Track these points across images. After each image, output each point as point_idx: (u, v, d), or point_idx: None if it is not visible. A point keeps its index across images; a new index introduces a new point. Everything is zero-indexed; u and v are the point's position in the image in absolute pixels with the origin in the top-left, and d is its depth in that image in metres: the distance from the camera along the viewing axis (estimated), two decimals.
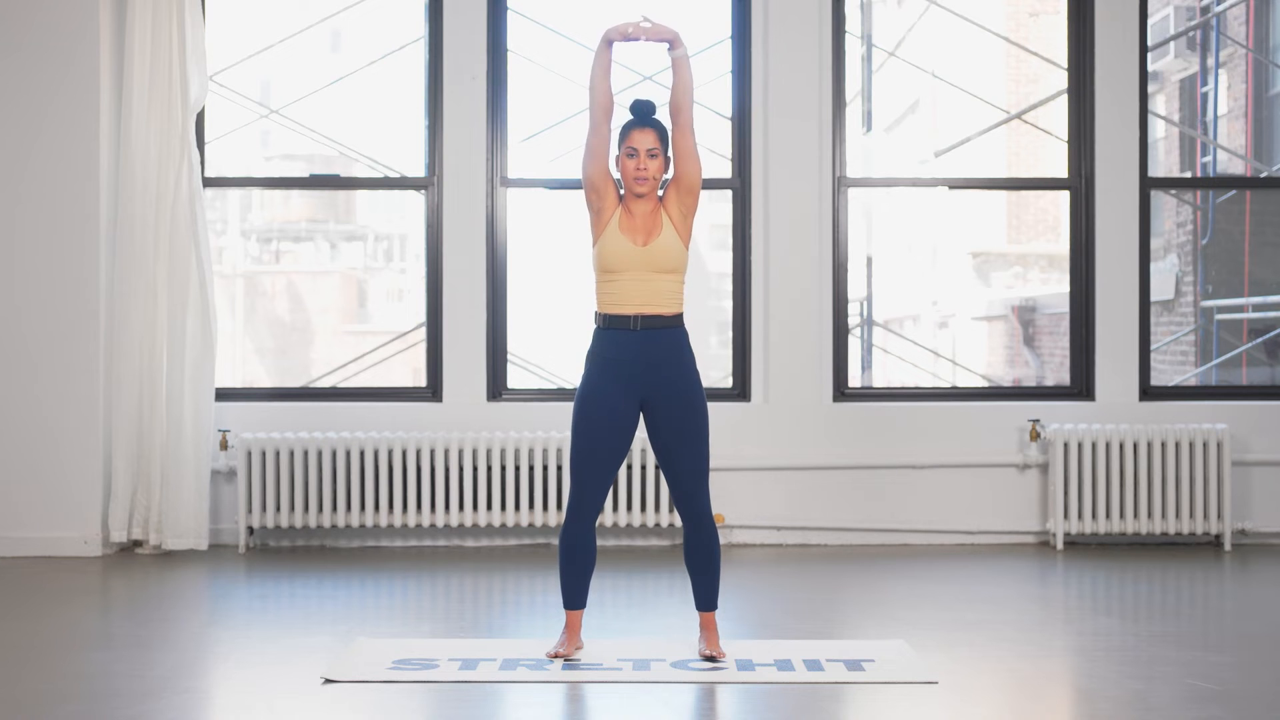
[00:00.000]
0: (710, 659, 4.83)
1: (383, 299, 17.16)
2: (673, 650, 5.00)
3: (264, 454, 7.33)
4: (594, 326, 4.90)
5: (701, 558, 4.91)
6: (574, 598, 4.94)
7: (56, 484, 7.16)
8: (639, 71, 7.82)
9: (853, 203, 7.84)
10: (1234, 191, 11.06)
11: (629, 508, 7.38)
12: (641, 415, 4.89)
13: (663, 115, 5.01)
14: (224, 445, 7.42)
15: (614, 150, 4.92)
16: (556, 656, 4.86)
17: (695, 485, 4.86)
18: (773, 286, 7.56)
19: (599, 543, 7.39)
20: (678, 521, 7.34)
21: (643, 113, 4.89)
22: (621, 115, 4.97)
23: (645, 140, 4.83)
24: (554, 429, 7.41)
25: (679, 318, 4.88)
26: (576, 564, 4.91)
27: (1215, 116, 11.52)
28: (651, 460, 7.36)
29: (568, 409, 7.45)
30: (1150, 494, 7.48)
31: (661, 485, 7.38)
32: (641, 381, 4.82)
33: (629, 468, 7.38)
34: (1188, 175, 11.89)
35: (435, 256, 7.60)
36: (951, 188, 8.22)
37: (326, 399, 7.71)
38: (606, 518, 7.35)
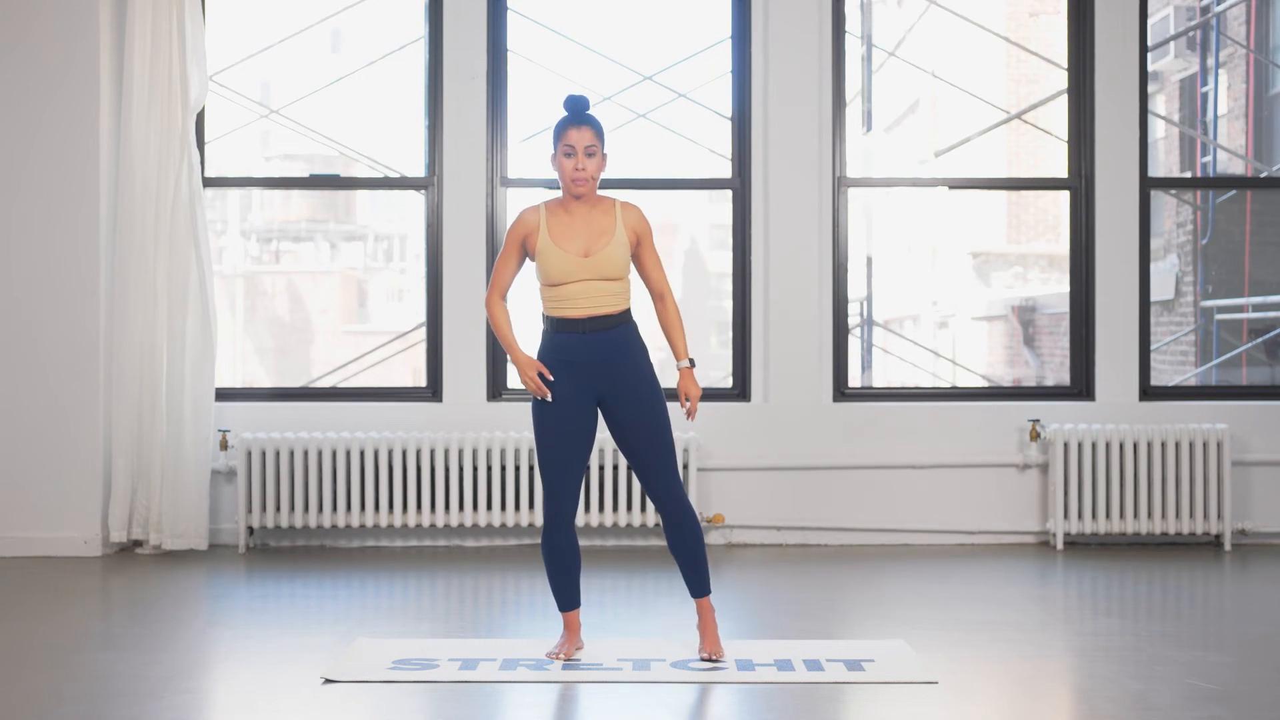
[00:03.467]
0: (710, 660, 4.83)
1: (383, 299, 17.16)
2: (673, 650, 5.00)
3: (264, 454, 7.32)
4: (542, 329, 4.88)
5: (683, 543, 4.90)
6: (567, 600, 4.94)
7: (56, 484, 7.16)
8: (639, 71, 7.82)
9: (853, 203, 7.84)
10: (1234, 191, 11.06)
11: (628, 508, 7.38)
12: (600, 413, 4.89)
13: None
14: (224, 445, 7.42)
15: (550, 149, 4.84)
16: (557, 658, 4.86)
17: (664, 474, 4.84)
18: (773, 286, 7.56)
19: (599, 543, 7.41)
20: None
21: (577, 109, 4.82)
22: (556, 115, 4.88)
23: (583, 138, 4.76)
24: None
25: (627, 313, 4.84)
26: (563, 568, 4.89)
27: (1215, 116, 11.52)
28: None
29: None
30: (1150, 494, 7.48)
31: None
32: (595, 381, 4.80)
33: (628, 469, 7.37)
34: (1188, 175, 11.89)
35: (435, 256, 7.60)
36: (951, 188, 8.22)
37: (326, 399, 7.71)
38: (606, 518, 7.34)
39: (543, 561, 4.96)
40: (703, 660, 4.84)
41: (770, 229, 7.56)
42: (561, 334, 4.80)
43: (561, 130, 4.79)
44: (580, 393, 4.81)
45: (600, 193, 4.90)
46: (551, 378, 4.78)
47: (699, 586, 4.94)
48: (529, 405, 7.53)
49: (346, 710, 4.33)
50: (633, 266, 4.91)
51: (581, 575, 5.00)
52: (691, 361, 4.87)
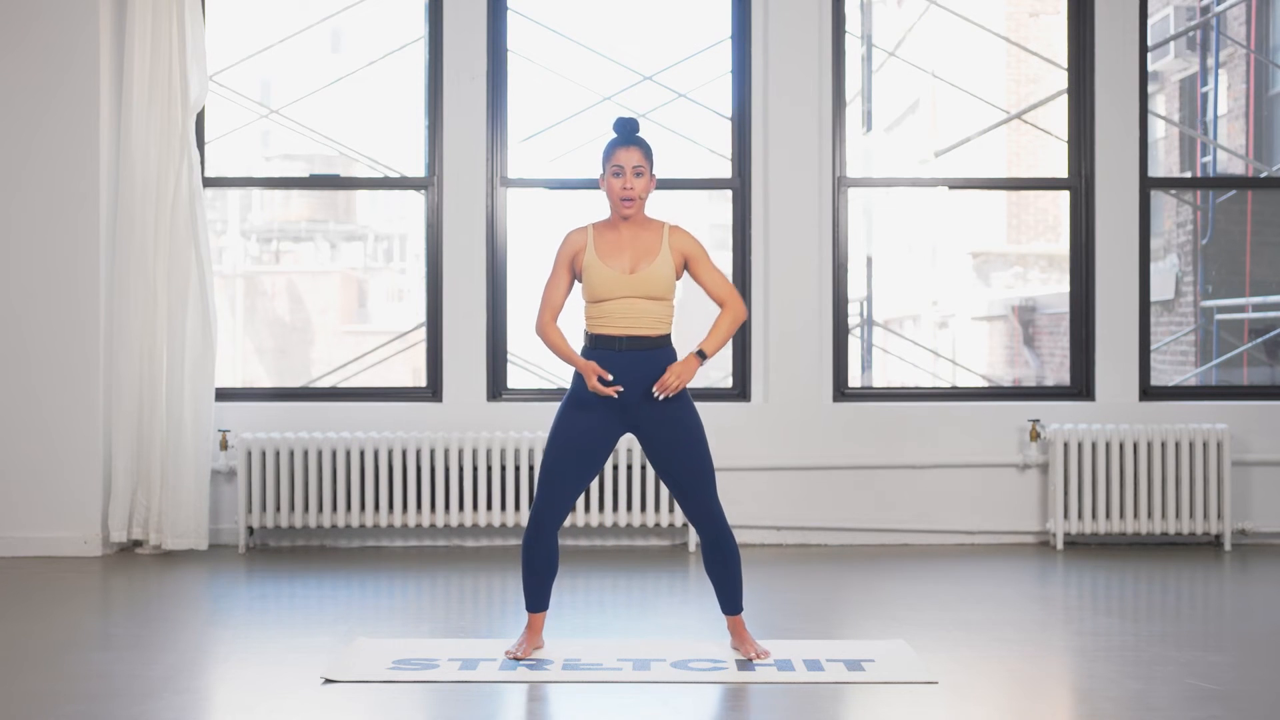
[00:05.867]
0: (753, 659, 4.84)
1: (383, 299, 17.19)
2: (673, 650, 5.00)
3: (264, 454, 7.32)
4: (582, 345, 4.90)
5: (719, 562, 4.90)
6: (535, 601, 4.92)
7: (56, 484, 7.16)
8: (639, 71, 7.82)
9: (853, 203, 7.84)
10: (1234, 191, 11.06)
11: (629, 508, 7.38)
12: (635, 434, 4.88)
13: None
14: (224, 445, 7.42)
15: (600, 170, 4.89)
16: (516, 657, 4.85)
17: (700, 493, 4.84)
18: (773, 286, 7.56)
19: (600, 543, 7.41)
20: (678, 521, 7.35)
21: (626, 130, 4.85)
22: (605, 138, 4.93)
23: (631, 158, 4.79)
24: None
25: (666, 339, 4.85)
26: (538, 570, 4.88)
27: (1215, 116, 11.52)
28: None
29: None
30: (1150, 494, 7.47)
31: (662, 485, 7.37)
32: (626, 402, 4.80)
33: (628, 468, 7.37)
34: (1188, 175, 11.90)
35: (435, 256, 7.60)
36: (951, 188, 8.21)
37: (326, 399, 7.71)
38: (606, 518, 7.34)
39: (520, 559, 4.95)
40: (749, 660, 4.85)
41: (770, 229, 7.56)
42: (598, 351, 4.80)
43: (610, 151, 4.84)
44: (607, 413, 4.81)
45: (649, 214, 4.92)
46: (609, 376, 4.75)
47: (731, 604, 4.95)
48: (529, 405, 7.56)
49: (346, 710, 4.33)
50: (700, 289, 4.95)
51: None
52: (703, 354, 4.82)
